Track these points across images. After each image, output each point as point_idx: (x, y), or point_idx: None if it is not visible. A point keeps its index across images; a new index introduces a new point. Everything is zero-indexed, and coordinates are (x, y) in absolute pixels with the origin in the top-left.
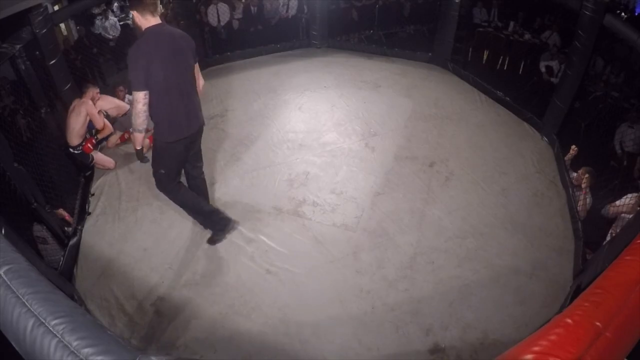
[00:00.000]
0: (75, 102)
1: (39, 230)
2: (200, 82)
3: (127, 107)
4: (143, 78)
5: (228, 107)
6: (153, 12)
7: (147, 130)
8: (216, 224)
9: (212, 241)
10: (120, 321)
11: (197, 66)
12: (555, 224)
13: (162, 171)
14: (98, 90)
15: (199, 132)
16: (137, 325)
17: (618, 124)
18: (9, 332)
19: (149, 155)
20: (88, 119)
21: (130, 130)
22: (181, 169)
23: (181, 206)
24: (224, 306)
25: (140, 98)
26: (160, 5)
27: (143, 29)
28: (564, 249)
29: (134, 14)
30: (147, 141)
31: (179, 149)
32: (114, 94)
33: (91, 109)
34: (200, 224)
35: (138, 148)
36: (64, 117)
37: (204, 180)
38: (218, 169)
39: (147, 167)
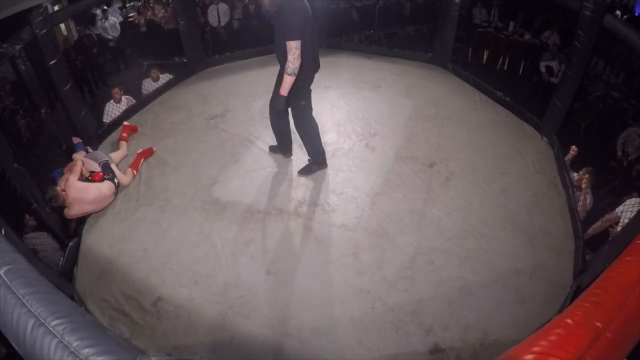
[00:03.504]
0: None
1: (33, 237)
2: None
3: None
4: (300, 30)
5: (229, 108)
6: None
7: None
8: (322, 156)
9: (306, 172)
10: (120, 321)
11: None
12: (555, 224)
13: (304, 102)
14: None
15: None
16: (137, 325)
17: (619, 125)
18: (9, 332)
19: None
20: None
21: (286, 73)
22: None
23: (308, 135)
24: (224, 306)
25: (299, 45)
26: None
27: None
28: (564, 249)
29: None
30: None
31: (313, 79)
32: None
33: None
34: (310, 154)
35: (285, 95)
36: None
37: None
38: (218, 169)
39: (146, 169)
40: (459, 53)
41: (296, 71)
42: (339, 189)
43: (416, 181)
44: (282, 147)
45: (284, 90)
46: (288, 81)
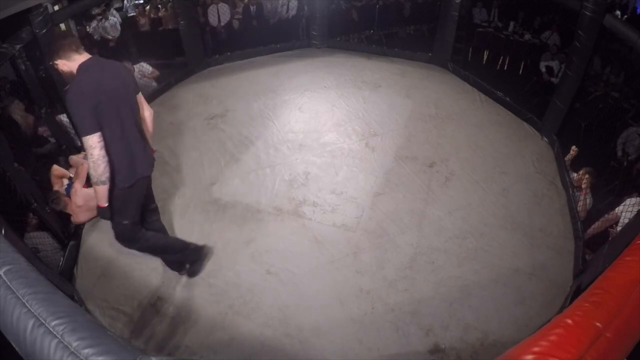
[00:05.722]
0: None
1: (34, 237)
2: (147, 112)
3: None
4: (95, 119)
5: (228, 107)
6: (77, 49)
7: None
8: (191, 255)
9: (192, 273)
10: (120, 321)
11: (141, 96)
12: (555, 224)
13: (126, 222)
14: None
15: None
16: (137, 325)
17: (619, 125)
18: (9, 332)
19: None
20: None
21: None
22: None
23: (152, 252)
24: (224, 306)
25: (95, 142)
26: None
27: (75, 70)
28: (564, 249)
29: (59, 63)
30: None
31: (141, 191)
32: None
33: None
34: (173, 265)
35: (105, 205)
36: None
37: (161, 223)
38: (218, 169)
39: None
40: (459, 53)
41: (103, 177)
42: (339, 189)
43: (416, 181)
44: (188, 257)
45: (100, 201)
46: (99, 192)
